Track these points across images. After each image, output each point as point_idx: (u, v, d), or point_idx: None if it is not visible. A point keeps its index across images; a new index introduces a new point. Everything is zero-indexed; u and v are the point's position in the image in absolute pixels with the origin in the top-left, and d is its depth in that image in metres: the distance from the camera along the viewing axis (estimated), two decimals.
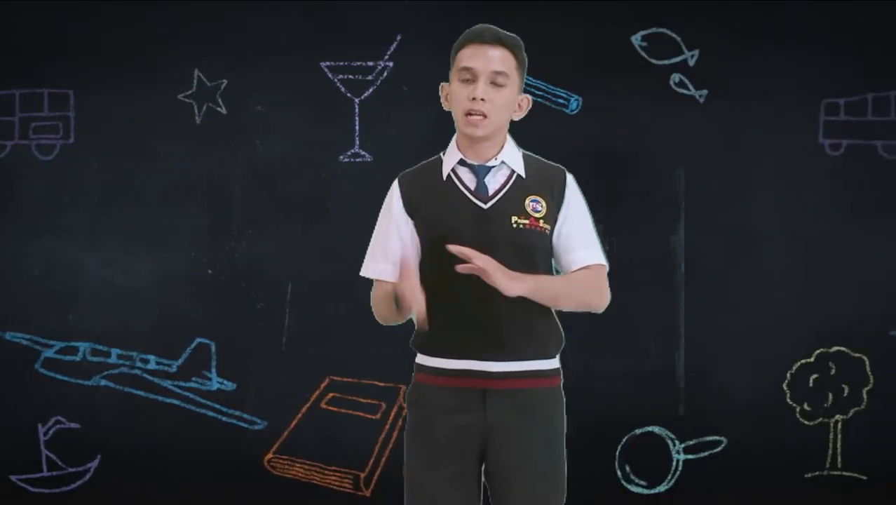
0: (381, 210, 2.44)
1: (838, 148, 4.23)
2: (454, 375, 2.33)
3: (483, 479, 2.39)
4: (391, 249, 2.38)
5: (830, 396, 4.22)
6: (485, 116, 2.30)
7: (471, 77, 2.32)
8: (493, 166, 2.36)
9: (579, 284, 2.35)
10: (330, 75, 4.26)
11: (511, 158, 2.38)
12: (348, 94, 4.26)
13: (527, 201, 2.34)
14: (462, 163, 2.37)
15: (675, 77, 4.23)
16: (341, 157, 4.27)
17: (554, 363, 2.39)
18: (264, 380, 4.25)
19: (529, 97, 2.43)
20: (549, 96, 4.22)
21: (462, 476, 2.34)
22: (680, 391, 4.24)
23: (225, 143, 4.27)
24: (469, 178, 2.36)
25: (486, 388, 2.32)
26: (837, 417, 4.22)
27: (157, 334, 4.26)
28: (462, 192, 2.35)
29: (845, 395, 4.22)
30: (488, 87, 2.31)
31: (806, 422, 4.23)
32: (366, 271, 2.47)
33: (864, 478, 4.20)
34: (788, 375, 4.22)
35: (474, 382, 2.32)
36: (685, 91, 4.24)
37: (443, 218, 2.33)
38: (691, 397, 4.24)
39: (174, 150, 4.28)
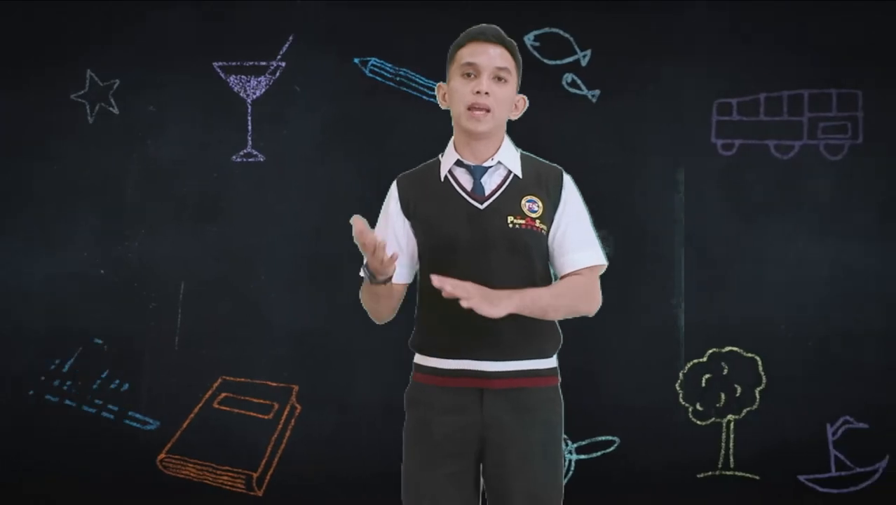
0: (381, 211, 2.46)
1: (731, 148, 4.23)
2: (452, 375, 2.34)
3: (481, 478, 2.40)
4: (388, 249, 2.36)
5: (723, 396, 4.22)
6: (488, 111, 2.32)
7: (473, 72, 2.35)
8: (489, 167, 2.38)
9: (567, 292, 2.36)
10: (222, 75, 4.26)
11: (508, 159, 2.40)
12: (241, 95, 4.25)
13: (523, 201, 2.35)
14: (459, 164, 2.39)
15: (568, 77, 4.23)
16: (234, 157, 4.27)
17: (551, 362, 2.41)
18: (157, 380, 4.25)
19: (525, 97, 2.45)
20: None
21: (460, 475, 2.35)
22: (573, 391, 4.22)
23: (117, 144, 4.27)
24: (466, 179, 2.38)
25: (483, 387, 2.33)
26: (730, 417, 4.22)
27: (49, 334, 4.26)
28: (458, 192, 2.37)
29: (738, 395, 4.22)
30: (491, 82, 2.33)
31: (698, 422, 4.23)
32: (363, 272, 2.43)
33: (757, 478, 4.20)
34: (681, 375, 4.22)
35: (472, 381, 2.33)
36: (578, 91, 4.24)
37: (439, 219, 2.35)
38: (584, 397, 4.23)
39: (67, 150, 4.28)
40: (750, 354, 4.22)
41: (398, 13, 4.23)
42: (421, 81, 4.22)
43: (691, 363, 4.23)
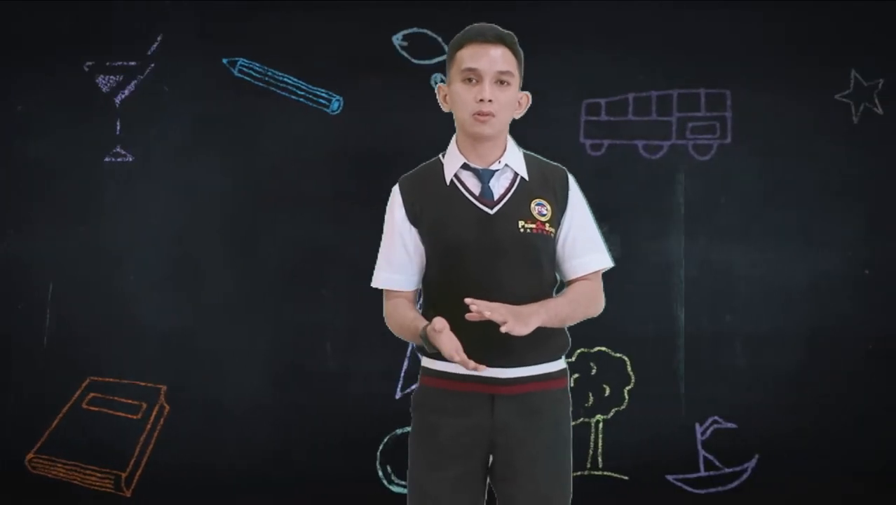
0: (385, 217, 2.43)
1: (599, 148, 4.23)
2: (462, 380, 2.32)
3: (488, 481, 2.39)
4: (396, 259, 2.39)
5: (591, 395, 4.22)
6: (493, 116, 2.30)
7: (475, 78, 2.32)
8: (496, 170, 2.36)
9: (581, 299, 2.37)
10: (92, 75, 4.25)
11: (514, 161, 2.38)
12: (110, 94, 4.25)
13: (532, 205, 2.34)
14: (465, 167, 2.36)
15: (436, 77, 4.23)
16: (104, 157, 4.26)
17: (560, 364, 2.41)
18: (25, 379, 4.24)
19: (528, 94, 2.42)
20: (310, 96, 4.22)
21: (466, 478, 2.34)
22: None
23: None
24: (473, 183, 2.35)
25: (493, 393, 2.32)
26: (598, 416, 4.22)
27: None
28: (467, 197, 2.34)
29: (606, 395, 4.22)
30: (494, 87, 2.31)
31: None
32: (375, 282, 2.45)
33: (626, 478, 4.20)
34: None
35: (482, 387, 2.32)
36: None
37: (448, 225, 2.32)
38: None
39: None
40: (618, 355, 4.22)
41: (267, 14, 4.23)
42: (289, 81, 4.21)
43: None
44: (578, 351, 4.21)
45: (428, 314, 2.35)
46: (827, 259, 4.21)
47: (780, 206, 4.22)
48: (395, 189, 2.41)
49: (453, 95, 2.35)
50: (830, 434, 4.18)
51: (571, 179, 2.41)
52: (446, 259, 2.31)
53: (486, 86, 2.29)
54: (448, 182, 2.35)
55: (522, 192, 2.34)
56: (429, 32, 4.23)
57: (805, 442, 4.17)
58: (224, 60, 4.23)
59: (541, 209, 2.34)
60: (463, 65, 2.32)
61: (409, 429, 4.12)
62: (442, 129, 4.19)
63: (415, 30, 4.23)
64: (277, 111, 4.22)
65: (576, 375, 4.21)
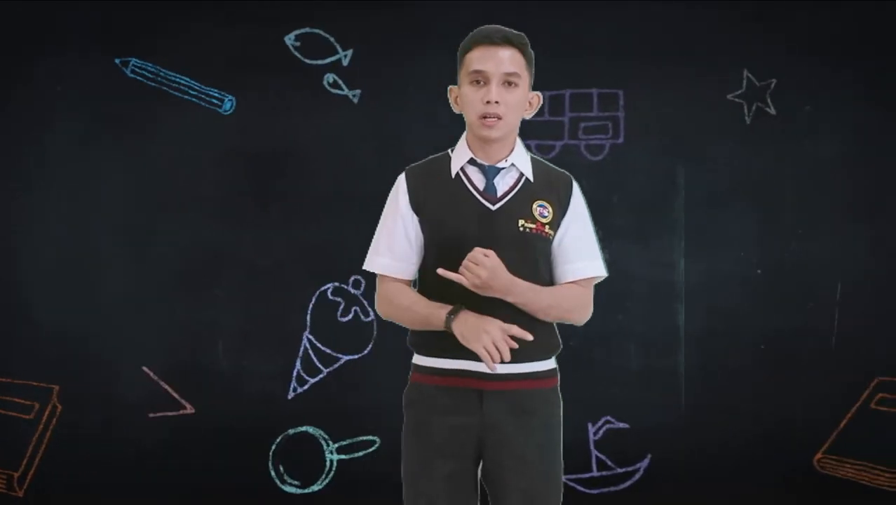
0: (387, 203, 2.44)
1: None
2: (451, 375, 2.34)
3: (480, 479, 2.40)
4: (397, 246, 2.39)
5: None
6: (500, 118, 2.32)
7: (482, 80, 2.33)
8: (502, 168, 2.38)
9: (562, 299, 2.37)
10: None
11: (520, 161, 2.40)
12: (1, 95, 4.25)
13: (534, 205, 2.36)
14: (472, 162, 2.38)
15: (329, 77, 4.23)
16: None
17: (550, 364, 2.41)
18: None
19: (539, 94, 2.45)
20: (203, 96, 4.22)
21: (458, 476, 2.35)
22: (334, 391, 4.23)
23: None
24: (478, 179, 2.37)
25: (482, 388, 2.33)
26: None
27: None
28: (470, 191, 2.36)
29: None
30: (501, 89, 2.33)
31: None
32: (370, 266, 2.44)
33: None
34: None
35: (471, 382, 2.33)
36: (339, 91, 4.23)
37: (449, 217, 2.34)
38: (345, 397, 4.24)
39: None
40: None
41: (159, 14, 4.23)
42: (182, 81, 4.21)
43: None
44: None
45: None
46: (719, 259, 4.21)
47: (672, 206, 4.22)
48: (401, 177, 2.42)
49: (462, 98, 2.38)
50: (722, 434, 4.18)
51: (575, 186, 2.44)
52: (444, 250, 2.32)
53: (492, 87, 2.31)
54: (453, 175, 2.37)
55: (525, 192, 2.37)
56: (321, 33, 4.24)
57: (697, 442, 4.17)
58: (116, 60, 4.22)
59: (542, 210, 2.36)
60: (471, 67, 2.35)
61: (302, 429, 4.20)
62: (334, 129, 4.23)
63: (307, 30, 4.23)
64: (171, 111, 4.22)
65: None
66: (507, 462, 2.34)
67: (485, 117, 2.32)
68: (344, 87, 4.23)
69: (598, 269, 2.42)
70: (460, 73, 2.40)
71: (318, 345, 4.22)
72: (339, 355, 4.22)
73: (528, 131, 4.16)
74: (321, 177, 4.24)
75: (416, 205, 2.38)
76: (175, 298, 4.22)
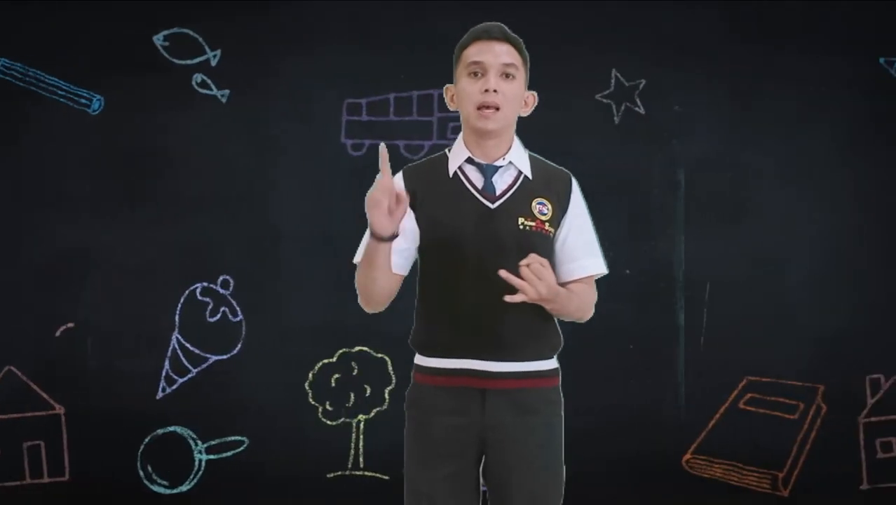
0: None
1: (360, 148, 4.23)
2: (453, 375, 2.33)
3: (481, 479, 2.39)
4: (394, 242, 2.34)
5: (353, 395, 4.22)
6: (497, 109, 2.31)
7: (480, 71, 2.33)
8: (500, 166, 2.37)
9: (579, 301, 2.37)
10: None
11: (519, 159, 2.39)
12: None
13: (533, 203, 2.35)
14: (469, 161, 2.37)
15: (198, 77, 4.23)
16: None
17: (552, 363, 2.41)
18: None
19: (535, 94, 2.43)
20: (71, 96, 4.22)
21: (460, 476, 2.34)
22: (202, 391, 4.23)
23: None
24: (476, 177, 2.36)
25: (484, 388, 2.32)
26: (360, 416, 4.22)
27: None
28: (469, 189, 2.35)
29: (368, 395, 4.22)
30: (499, 80, 2.32)
31: (328, 421, 4.23)
32: (357, 258, 2.41)
33: (386, 478, 4.20)
34: (311, 374, 4.22)
35: (473, 381, 2.32)
36: (208, 91, 4.24)
37: (447, 215, 2.33)
38: (213, 397, 4.23)
39: None
40: (380, 355, 4.23)
41: (28, 12, 4.22)
42: (51, 82, 4.21)
43: (321, 363, 4.23)
44: (340, 351, 4.22)
45: (423, 306, 2.39)
46: None
47: None
48: (398, 175, 2.40)
49: (459, 92, 2.36)
50: (591, 435, 4.16)
51: (575, 184, 2.43)
52: (444, 250, 2.31)
53: (490, 77, 2.31)
54: (451, 174, 2.36)
55: (525, 190, 2.36)
56: (190, 33, 4.24)
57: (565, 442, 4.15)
58: None
59: (542, 208, 2.35)
60: (468, 60, 2.34)
61: (171, 429, 4.19)
62: (203, 129, 4.23)
63: (176, 30, 4.23)
64: (40, 111, 4.22)
65: (337, 375, 4.22)
66: (509, 461, 2.33)
67: (482, 108, 2.31)
68: (213, 86, 4.23)
69: (599, 266, 2.43)
70: (456, 69, 2.38)
71: (187, 345, 4.21)
72: (208, 355, 4.22)
73: (398, 131, 4.22)
74: (190, 177, 4.24)
75: (413, 201, 2.34)
76: (43, 297, 4.22)
